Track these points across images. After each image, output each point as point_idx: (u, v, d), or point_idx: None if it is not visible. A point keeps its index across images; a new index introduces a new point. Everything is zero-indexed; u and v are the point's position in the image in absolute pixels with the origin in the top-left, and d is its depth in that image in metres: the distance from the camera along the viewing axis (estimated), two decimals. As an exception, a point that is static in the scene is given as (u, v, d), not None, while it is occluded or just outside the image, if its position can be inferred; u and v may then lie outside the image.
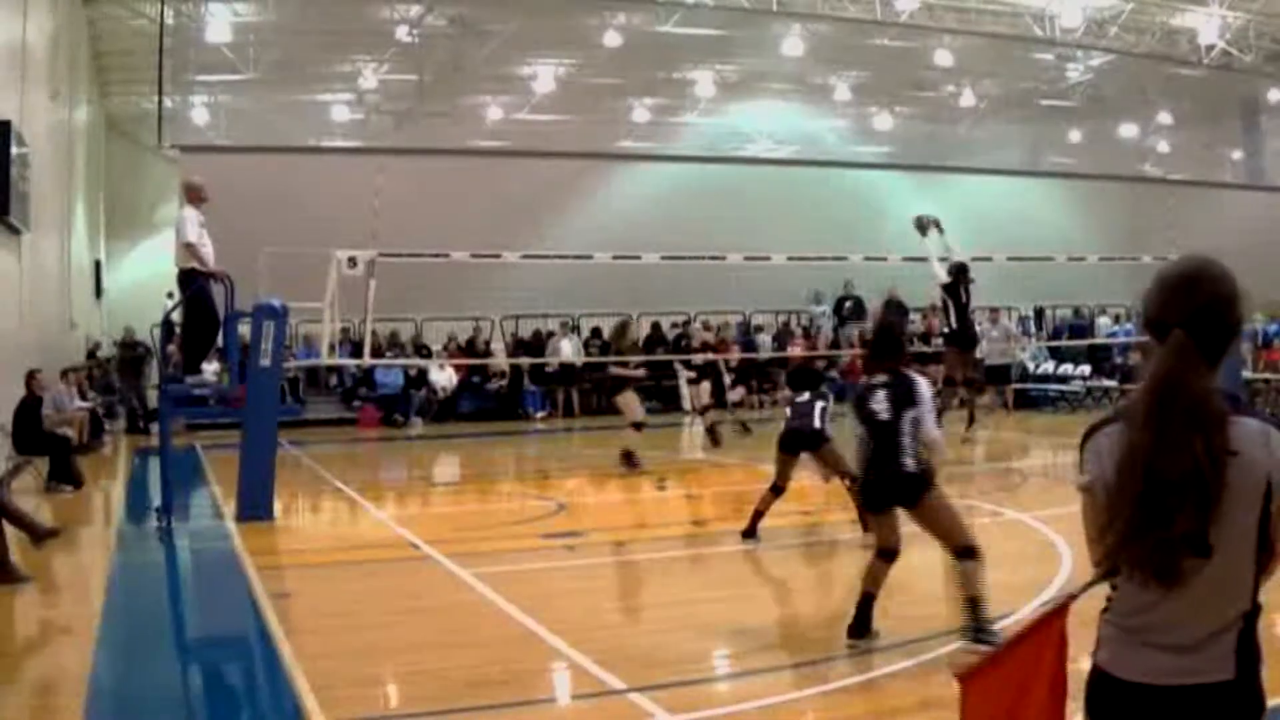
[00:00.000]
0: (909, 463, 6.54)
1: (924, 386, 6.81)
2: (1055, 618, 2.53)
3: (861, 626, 6.51)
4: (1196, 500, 2.29)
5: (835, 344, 27.51)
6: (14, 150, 14.69)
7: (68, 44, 21.37)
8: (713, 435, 17.47)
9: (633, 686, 5.73)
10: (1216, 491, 2.29)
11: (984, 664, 2.66)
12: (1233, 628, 2.36)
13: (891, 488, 6.63)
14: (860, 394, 6.86)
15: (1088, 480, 2.48)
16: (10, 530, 8.96)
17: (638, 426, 14.86)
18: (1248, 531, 2.33)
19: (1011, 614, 7.00)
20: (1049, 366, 25.15)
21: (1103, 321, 28.71)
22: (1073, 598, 2.52)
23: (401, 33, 24.76)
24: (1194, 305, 2.42)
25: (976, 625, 6.27)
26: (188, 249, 11.28)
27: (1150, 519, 2.31)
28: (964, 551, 6.51)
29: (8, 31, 15.62)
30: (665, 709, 5.40)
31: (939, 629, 6.67)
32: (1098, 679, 2.47)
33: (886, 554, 6.71)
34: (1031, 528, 10.05)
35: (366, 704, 5.76)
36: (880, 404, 6.66)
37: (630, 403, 15.09)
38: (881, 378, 6.83)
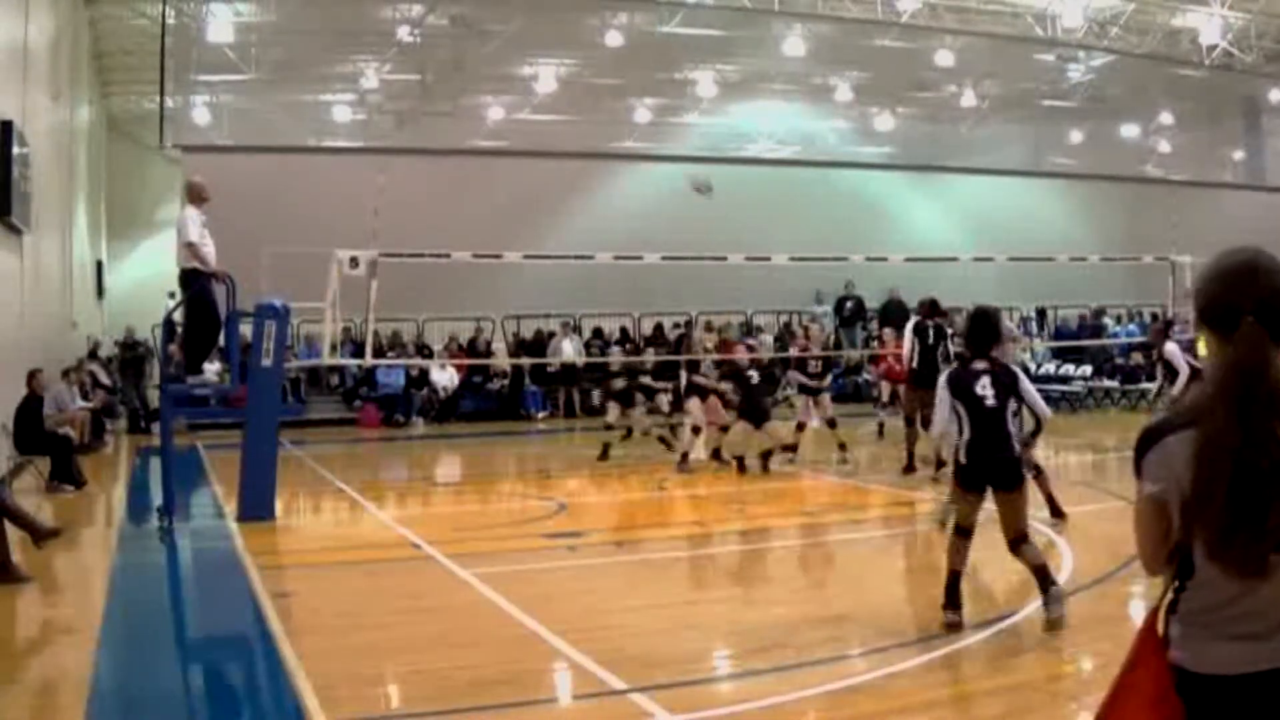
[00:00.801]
0: (1016, 448, 6.89)
1: (1024, 376, 7.23)
2: (1149, 635, 2.54)
3: (953, 600, 6.82)
4: None
5: (837, 344, 27.53)
6: (15, 150, 14.69)
7: (69, 44, 21.39)
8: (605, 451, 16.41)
9: (633, 686, 5.73)
10: None
11: (1109, 703, 2.59)
12: None
13: (999, 471, 6.89)
14: (961, 377, 7.05)
15: (1160, 489, 2.44)
16: (12, 530, 8.97)
17: (696, 430, 15.07)
18: None
19: (1014, 614, 7.02)
20: (1051, 367, 25.16)
21: (1104, 322, 28.70)
22: (1156, 611, 2.52)
23: (403, 32, 24.77)
24: (1260, 293, 2.40)
25: (1051, 586, 6.74)
26: (189, 249, 11.27)
27: (1243, 515, 2.29)
28: (1024, 537, 6.97)
29: (9, 32, 15.62)
30: (666, 709, 5.40)
31: (939, 629, 6.68)
32: (1175, 677, 2.45)
33: (966, 532, 7.01)
34: (1033, 528, 10.04)
35: (367, 704, 5.76)
36: (986, 390, 6.90)
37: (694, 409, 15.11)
38: (982, 364, 7.05)
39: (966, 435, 6.87)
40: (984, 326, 7.28)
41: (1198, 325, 2.51)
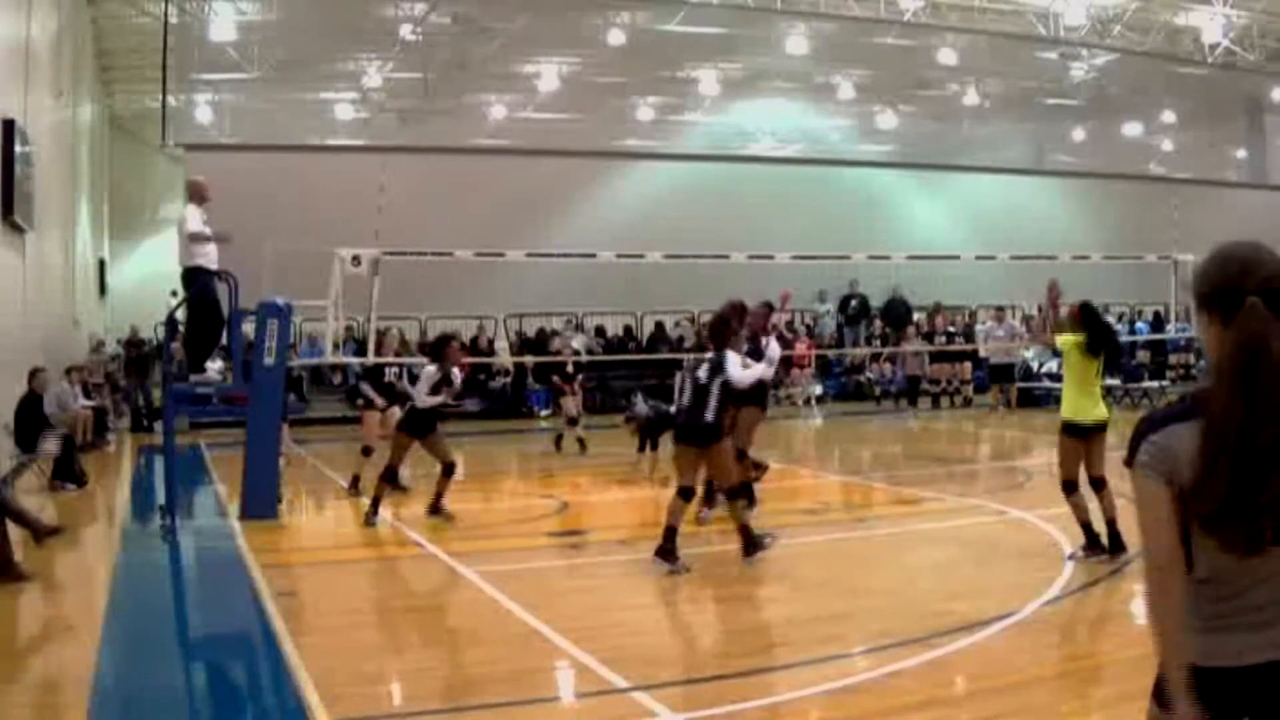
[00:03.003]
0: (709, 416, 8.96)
1: (731, 358, 9.11)
2: None
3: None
4: None
5: (840, 342, 27.54)
6: (18, 149, 14.70)
7: (71, 42, 21.40)
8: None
9: (635, 685, 5.73)
10: None
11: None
12: None
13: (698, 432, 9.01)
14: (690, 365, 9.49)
15: (1161, 477, 2.44)
16: (13, 529, 8.98)
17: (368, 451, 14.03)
18: None
19: (1015, 612, 7.02)
20: (1053, 365, 25.12)
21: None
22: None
23: (406, 31, 24.77)
24: (1264, 276, 2.44)
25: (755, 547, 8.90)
26: (193, 238, 11.29)
27: (1241, 489, 2.31)
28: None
29: (12, 30, 15.63)
30: (668, 707, 5.40)
31: (940, 628, 6.67)
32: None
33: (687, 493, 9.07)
34: (1035, 527, 10.05)
35: (370, 702, 5.77)
36: (702, 372, 9.07)
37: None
38: (709, 354, 9.25)
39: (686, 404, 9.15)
40: (719, 329, 9.42)
41: (1198, 311, 2.52)
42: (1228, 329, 2.42)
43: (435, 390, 11.50)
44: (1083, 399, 8.75)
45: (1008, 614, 7.01)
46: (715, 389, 8.97)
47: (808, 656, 6.46)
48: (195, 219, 11.41)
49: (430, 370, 11.58)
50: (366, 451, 13.96)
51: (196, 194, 11.71)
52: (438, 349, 11.97)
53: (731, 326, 9.55)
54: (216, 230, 11.48)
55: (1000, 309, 25.55)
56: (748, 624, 7.32)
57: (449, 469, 11.54)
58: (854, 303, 27.75)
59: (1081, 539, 8.62)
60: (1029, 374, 24.88)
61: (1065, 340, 8.85)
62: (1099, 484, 8.63)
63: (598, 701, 5.74)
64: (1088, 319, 8.90)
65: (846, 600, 8.01)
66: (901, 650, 6.27)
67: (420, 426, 11.51)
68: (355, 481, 13.55)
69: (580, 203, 27.55)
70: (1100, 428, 8.68)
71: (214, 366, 12.11)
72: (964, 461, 16.78)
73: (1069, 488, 8.76)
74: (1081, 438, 8.72)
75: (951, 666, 6.04)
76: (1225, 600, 2.40)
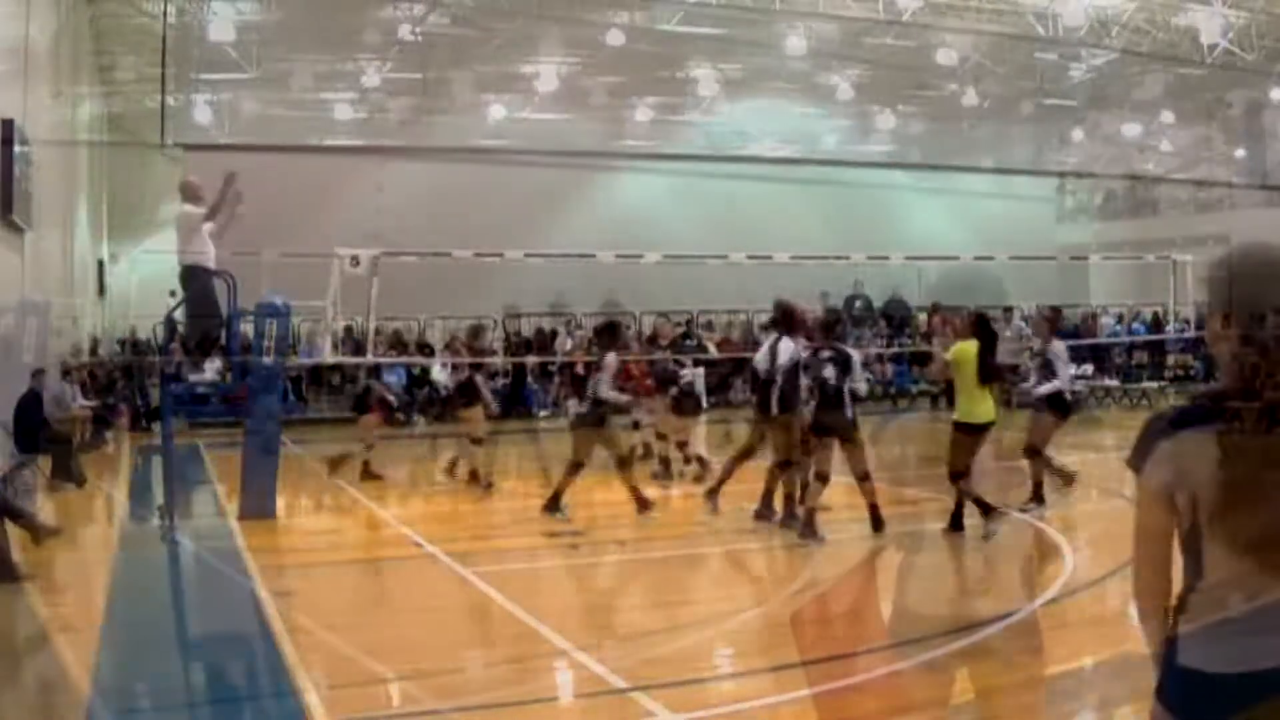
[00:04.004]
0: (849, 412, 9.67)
1: (856, 356, 9.86)
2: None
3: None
4: None
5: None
6: (17, 148, 14.69)
7: (71, 42, 21.38)
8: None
9: (634, 685, 5.73)
10: None
11: None
12: None
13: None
14: (811, 361, 9.79)
15: (1171, 484, 2.40)
16: (12, 529, 8.97)
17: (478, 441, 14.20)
18: None
19: (1015, 612, 7.02)
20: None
21: (1105, 321, 28.66)
22: (1179, 611, 2.48)
23: (404, 31, 24.76)
24: None
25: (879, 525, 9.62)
26: (209, 217, 11.24)
27: None
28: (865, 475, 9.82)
29: (11, 29, 15.62)
30: (666, 707, 5.39)
31: (940, 628, 6.67)
32: (1190, 681, 2.41)
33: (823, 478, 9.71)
34: (1034, 527, 10.05)
35: (369, 702, 5.76)
36: (829, 371, 9.58)
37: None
38: (827, 352, 9.66)
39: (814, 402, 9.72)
40: (831, 320, 10.25)
41: (1213, 312, 2.44)
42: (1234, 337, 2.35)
43: (617, 383, 11.30)
44: (973, 401, 9.46)
45: (1008, 614, 7.01)
46: (845, 389, 9.69)
47: (806, 656, 6.46)
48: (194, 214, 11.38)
49: (611, 359, 11.12)
50: (477, 441, 14.08)
51: (192, 194, 11.68)
52: (613, 336, 11.47)
53: (841, 319, 10.40)
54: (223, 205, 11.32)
55: (1009, 309, 25.56)
56: (748, 624, 7.32)
57: (629, 460, 11.49)
58: (858, 303, 27.72)
59: (1020, 524, 9.23)
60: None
61: (960, 350, 9.31)
62: (959, 476, 9.52)
63: (596, 701, 5.74)
64: (982, 329, 9.71)
65: (845, 600, 8.01)
66: (900, 651, 6.26)
67: (603, 420, 11.23)
68: (475, 474, 13.78)
69: (579, 203, 27.55)
70: (989, 426, 9.66)
71: (212, 366, 12.09)
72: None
73: (957, 478, 9.52)
74: (974, 434, 9.55)
75: (951, 667, 6.04)
76: (1245, 604, 2.34)
